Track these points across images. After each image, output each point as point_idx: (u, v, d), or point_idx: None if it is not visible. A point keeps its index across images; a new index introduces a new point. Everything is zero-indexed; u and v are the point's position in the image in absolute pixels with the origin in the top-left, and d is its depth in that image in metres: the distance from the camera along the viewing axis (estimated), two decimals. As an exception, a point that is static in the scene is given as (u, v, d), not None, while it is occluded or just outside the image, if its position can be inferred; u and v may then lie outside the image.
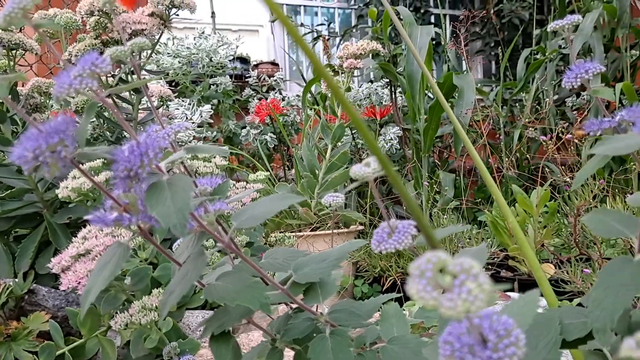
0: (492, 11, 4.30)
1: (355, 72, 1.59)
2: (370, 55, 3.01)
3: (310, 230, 1.41)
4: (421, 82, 2.24)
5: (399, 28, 0.99)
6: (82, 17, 1.30)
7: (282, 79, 3.57)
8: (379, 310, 0.78)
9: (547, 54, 3.23)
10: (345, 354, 0.61)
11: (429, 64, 2.38)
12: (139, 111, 1.39)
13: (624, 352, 0.36)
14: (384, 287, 1.35)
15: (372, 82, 3.38)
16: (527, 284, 1.33)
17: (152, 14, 1.25)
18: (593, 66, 0.61)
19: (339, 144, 1.48)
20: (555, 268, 1.42)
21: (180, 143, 2.32)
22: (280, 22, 0.36)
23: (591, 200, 1.38)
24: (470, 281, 0.33)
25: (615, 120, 0.63)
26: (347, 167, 1.44)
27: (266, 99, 3.48)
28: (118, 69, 1.43)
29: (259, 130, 3.16)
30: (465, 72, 2.23)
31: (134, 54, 0.61)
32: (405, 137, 2.99)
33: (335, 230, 1.41)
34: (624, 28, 3.09)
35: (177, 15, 1.23)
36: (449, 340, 0.40)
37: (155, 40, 1.28)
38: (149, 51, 1.44)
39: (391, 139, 2.95)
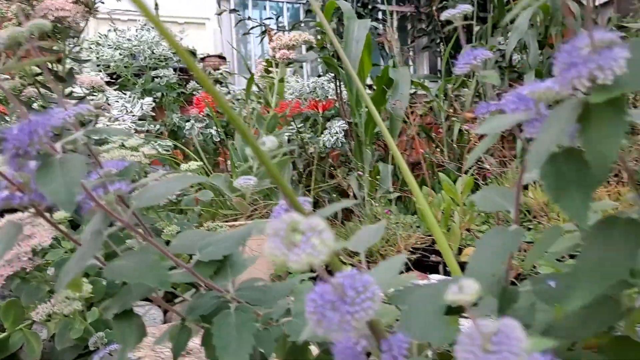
0: (434, 7, 4.41)
1: (306, 67, 1.59)
2: (317, 48, 3.03)
3: (245, 219, 1.42)
4: (361, 75, 2.28)
5: (321, 20, 1.01)
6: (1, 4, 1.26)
7: (228, 72, 3.54)
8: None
9: (491, 49, 3.34)
10: (249, 328, 0.63)
11: (368, 57, 2.42)
12: (67, 100, 1.36)
13: (450, 297, 0.39)
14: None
15: (320, 76, 3.41)
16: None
17: (76, 1, 1.22)
18: (481, 53, 0.65)
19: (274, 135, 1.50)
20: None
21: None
22: (150, 21, 0.37)
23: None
24: (315, 237, 0.36)
25: (501, 104, 0.67)
26: (284, 156, 1.46)
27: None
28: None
29: (204, 124, 3.13)
30: (402, 66, 2.28)
31: (32, 35, 0.61)
32: (351, 130, 3.03)
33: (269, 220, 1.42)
34: (556, 25, 3.24)
35: (103, 2, 1.21)
36: (314, 298, 0.42)
37: (81, 28, 1.25)
38: (78, 40, 1.41)
39: (337, 133, 2.98)
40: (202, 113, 2.44)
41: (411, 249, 1.42)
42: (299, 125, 3.08)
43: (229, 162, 3.16)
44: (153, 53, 3.12)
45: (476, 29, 3.93)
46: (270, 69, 1.57)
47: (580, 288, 0.52)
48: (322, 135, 2.98)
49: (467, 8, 0.67)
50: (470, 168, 1.73)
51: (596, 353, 0.69)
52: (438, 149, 2.83)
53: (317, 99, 3.05)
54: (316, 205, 2.91)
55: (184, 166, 1.34)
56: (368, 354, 0.49)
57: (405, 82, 2.16)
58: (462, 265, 0.75)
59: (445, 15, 0.67)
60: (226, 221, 1.41)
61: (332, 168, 3.14)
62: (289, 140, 3.09)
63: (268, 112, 1.61)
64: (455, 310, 0.64)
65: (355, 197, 2.08)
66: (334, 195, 2.95)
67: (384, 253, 1.36)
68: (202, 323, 0.70)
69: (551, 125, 0.47)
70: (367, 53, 2.36)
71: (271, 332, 0.69)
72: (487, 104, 0.67)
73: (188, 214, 1.41)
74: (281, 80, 1.56)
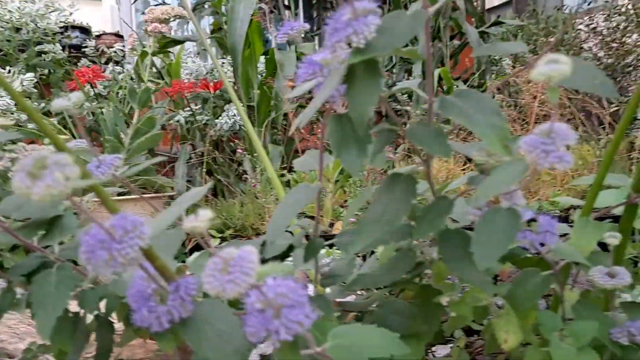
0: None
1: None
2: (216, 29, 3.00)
3: (118, 195, 1.40)
4: (252, 56, 2.30)
5: (184, 2, 1.01)
6: None
7: (122, 49, 3.41)
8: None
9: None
10: (67, 286, 0.64)
11: (259, 39, 2.45)
12: None
13: (187, 224, 0.43)
14: (189, 246, 1.39)
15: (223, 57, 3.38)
16: (324, 238, 1.45)
17: None
18: (298, 25, 0.70)
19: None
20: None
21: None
22: None
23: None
24: (58, 171, 0.38)
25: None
26: (158, 132, 1.45)
27: (103, 70, 3.31)
28: None
29: (95, 102, 3.00)
30: (289, 50, 2.33)
31: None
32: (250, 110, 3.04)
33: (144, 195, 1.41)
34: (445, 19, 3.44)
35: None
36: (87, 239, 0.44)
37: None
38: None
39: (234, 115, 2.98)
40: (84, 86, 2.34)
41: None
42: (196, 108, 3.04)
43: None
44: (38, 27, 2.94)
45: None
46: (145, 43, 1.55)
47: (363, 234, 0.59)
48: (220, 118, 2.97)
49: None
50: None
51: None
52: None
53: (215, 81, 3.03)
54: (215, 188, 2.90)
55: (47, 140, 1.29)
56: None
57: (290, 63, 2.21)
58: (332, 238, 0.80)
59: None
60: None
61: (232, 152, 3.14)
62: (185, 122, 3.05)
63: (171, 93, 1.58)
64: (269, 261, 0.69)
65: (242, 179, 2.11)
66: (234, 178, 2.96)
67: (256, 228, 1.40)
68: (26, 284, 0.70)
69: (325, 86, 0.52)
70: (257, 36, 2.38)
71: (97, 291, 0.70)
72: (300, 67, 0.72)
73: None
74: (154, 54, 1.53)
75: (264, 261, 0.65)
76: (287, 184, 2.29)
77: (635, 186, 0.65)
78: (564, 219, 1.32)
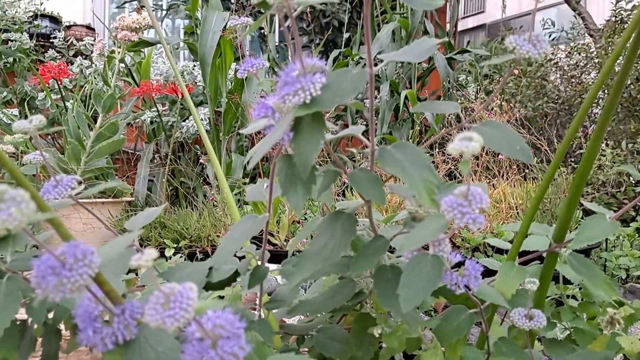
0: (308, 10, 4.57)
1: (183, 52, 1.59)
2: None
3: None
4: (222, 65, 2.32)
5: (148, 11, 1.04)
6: None
7: (92, 44, 3.37)
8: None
9: (352, 57, 3.55)
10: (15, 297, 0.66)
11: (230, 50, 2.47)
12: None
13: (133, 262, 0.47)
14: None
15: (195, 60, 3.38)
16: (279, 255, 1.50)
17: None
18: (258, 62, 0.74)
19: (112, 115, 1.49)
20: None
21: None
22: None
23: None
24: (15, 207, 0.41)
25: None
26: (120, 138, 1.46)
27: (72, 63, 3.26)
28: None
29: (59, 96, 2.96)
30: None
31: None
32: (217, 118, 3.06)
33: (101, 200, 1.42)
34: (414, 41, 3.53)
35: None
36: (38, 265, 0.47)
37: None
38: None
39: (201, 120, 2.99)
40: (47, 84, 2.31)
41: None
42: (163, 109, 3.04)
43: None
44: (5, 14, 2.88)
45: (346, 35, 4.14)
46: (114, 48, 1.56)
47: (303, 267, 0.63)
48: (187, 121, 2.98)
49: (246, 20, 0.76)
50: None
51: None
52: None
53: (186, 84, 3.03)
54: (177, 191, 2.90)
55: (7, 138, 1.29)
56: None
57: (255, 79, 2.24)
58: (286, 255, 0.82)
59: (230, 24, 0.75)
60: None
61: (199, 154, 3.14)
62: (151, 122, 3.04)
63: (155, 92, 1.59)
64: (215, 285, 0.73)
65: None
66: (196, 182, 2.96)
67: (212, 239, 1.43)
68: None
69: (275, 131, 0.56)
70: (229, 46, 2.41)
71: (46, 302, 0.72)
72: (254, 108, 0.76)
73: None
74: (121, 61, 1.54)
75: (210, 285, 0.69)
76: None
77: (555, 236, 0.71)
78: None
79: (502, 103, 1.69)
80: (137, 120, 2.92)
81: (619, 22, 3.22)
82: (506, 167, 1.58)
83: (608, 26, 3.16)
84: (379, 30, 3.83)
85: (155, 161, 3.03)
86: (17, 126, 0.59)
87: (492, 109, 1.76)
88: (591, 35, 4.51)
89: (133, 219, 0.72)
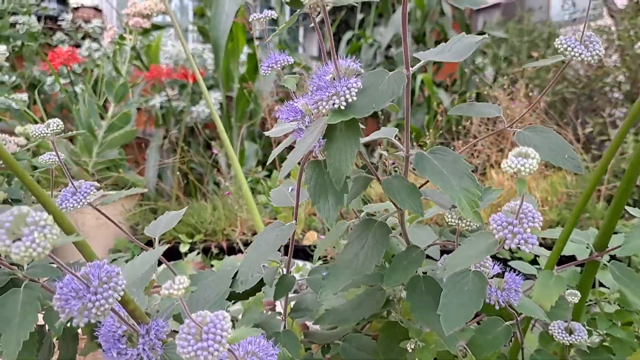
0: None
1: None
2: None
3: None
4: (234, 50, 2.27)
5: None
6: None
7: (101, 27, 3.32)
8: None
9: (366, 39, 3.48)
10: (34, 306, 0.63)
11: (242, 33, 2.42)
12: None
13: (164, 291, 0.43)
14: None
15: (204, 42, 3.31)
16: (296, 249, 1.47)
17: None
18: (282, 58, 0.70)
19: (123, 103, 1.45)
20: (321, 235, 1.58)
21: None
22: None
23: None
24: (38, 232, 0.38)
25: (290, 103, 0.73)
26: (133, 129, 1.42)
27: (80, 46, 3.22)
28: None
29: (68, 80, 2.92)
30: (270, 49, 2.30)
31: None
32: (229, 103, 3.01)
33: (113, 192, 1.39)
34: (431, 24, 3.46)
35: None
36: (61, 288, 0.44)
37: None
38: None
39: (212, 104, 2.94)
40: (57, 70, 2.27)
41: (255, 232, 1.47)
42: (173, 93, 2.99)
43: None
44: (12, -4, 2.83)
45: (360, 16, 4.05)
46: (125, 35, 1.51)
47: (334, 280, 0.60)
48: (197, 106, 2.93)
49: (271, 13, 0.71)
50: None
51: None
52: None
53: (184, 67, 2.97)
54: (186, 176, 2.87)
55: (18, 128, 1.26)
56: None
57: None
58: (306, 249, 0.78)
59: (252, 17, 0.71)
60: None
61: (210, 139, 3.10)
62: (161, 107, 3.00)
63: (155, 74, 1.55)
64: (240, 296, 0.70)
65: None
66: (208, 169, 2.93)
67: (227, 234, 1.40)
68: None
69: (306, 138, 0.53)
70: (241, 29, 2.35)
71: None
72: (281, 110, 0.73)
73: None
74: (132, 48, 1.50)
75: (234, 295, 0.66)
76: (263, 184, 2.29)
77: (597, 244, 0.67)
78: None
79: (530, 93, 1.63)
80: (147, 105, 2.88)
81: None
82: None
83: (630, 7, 3.06)
84: (393, 12, 3.74)
85: (165, 147, 3.00)
86: (35, 131, 0.56)
87: (516, 98, 1.70)
88: (612, 17, 4.39)
89: (154, 224, 0.69)
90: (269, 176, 2.74)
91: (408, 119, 0.58)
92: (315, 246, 1.39)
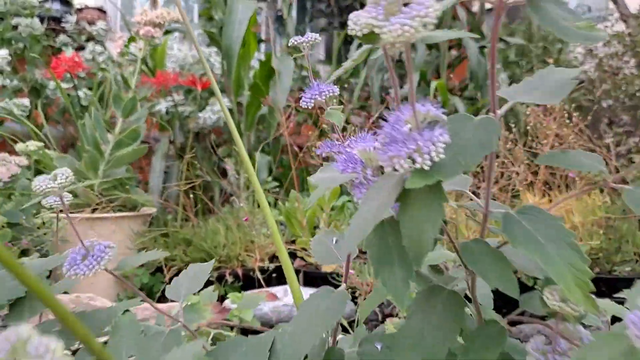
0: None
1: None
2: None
3: (91, 212, 1.27)
4: (245, 56, 2.17)
5: (178, 6, 0.90)
6: None
7: (105, 29, 3.22)
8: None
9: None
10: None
11: (254, 39, 2.32)
12: None
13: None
14: (167, 277, 1.28)
15: (209, 46, 3.21)
16: (314, 276, 1.37)
17: None
18: (327, 89, 0.60)
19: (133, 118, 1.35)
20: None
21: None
22: None
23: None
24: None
25: (344, 147, 0.63)
26: (142, 146, 1.32)
27: (83, 49, 3.12)
28: None
29: (71, 85, 2.83)
30: (284, 55, 2.21)
31: None
32: (239, 110, 2.91)
33: (120, 214, 1.30)
34: (444, 27, 3.35)
35: None
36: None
37: None
38: None
39: (219, 111, 2.84)
40: (60, 78, 2.17)
41: (273, 256, 1.38)
42: (179, 98, 2.89)
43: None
44: (15, -2, 2.73)
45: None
46: (135, 44, 1.41)
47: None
48: (204, 112, 2.83)
49: (315, 37, 0.62)
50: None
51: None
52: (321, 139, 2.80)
53: (201, 74, 2.88)
54: (193, 188, 2.78)
55: (20, 146, 1.16)
56: None
57: (287, 73, 2.09)
58: (326, 277, 0.67)
59: (291, 42, 0.61)
60: (70, 212, 1.26)
61: (216, 146, 3.01)
62: (167, 112, 2.90)
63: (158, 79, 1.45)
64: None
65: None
66: (213, 176, 2.83)
67: (242, 259, 1.29)
68: None
69: (373, 198, 0.43)
70: (253, 35, 2.26)
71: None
72: (331, 143, 0.63)
73: (23, 199, 1.23)
74: (143, 59, 1.40)
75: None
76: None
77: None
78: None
79: (565, 106, 1.53)
80: (152, 109, 2.78)
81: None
82: (563, 178, 1.43)
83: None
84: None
85: (170, 152, 2.90)
86: (40, 185, 0.46)
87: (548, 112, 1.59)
88: (625, 21, 4.29)
89: (175, 284, 0.59)
90: (279, 187, 2.64)
91: (492, 167, 0.48)
92: (338, 275, 1.29)
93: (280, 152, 2.76)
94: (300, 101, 0.60)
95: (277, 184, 2.39)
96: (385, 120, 0.42)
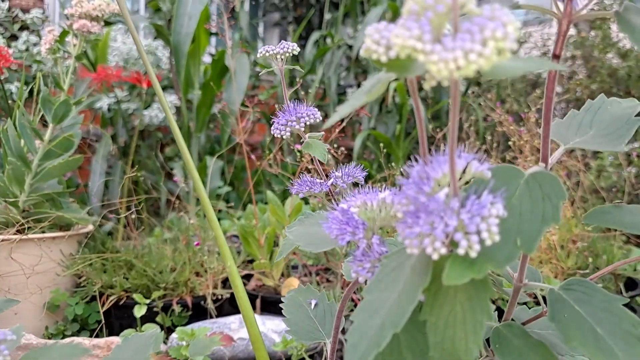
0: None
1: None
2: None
3: (14, 233, 1.09)
4: (195, 53, 2.00)
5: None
6: None
7: (41, 18, 2.95)
8: None
9: (335, 41, 3.25)
10: None
11: (205, 34, 2.15)
12: None
13: None
14: (105, 307, 1.11)
15: (156, 38, 3.00)
16: (273, 301, 1.23)
17: None
18: (307, 113, 0.47)
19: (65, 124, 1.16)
20: (306, 278, 1.36)
21: None
22: None
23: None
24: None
25: (327, 185, 0.51)
26: (77, 157, 1.14)
27: (17, 38, 2.85)
28: None
29: (3, 77, 2.55)
30: (240, 54, 2.06)
31: None
32: (189, 109, 2.72)
33: (50, 234, 1.12)
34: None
35: None
36: None
37: None
38: None
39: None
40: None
41: (226, 279, 1.23)
42: (123, 94, 2.68)
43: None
44: None
45: (327, 16, 3.83)
46: (69, 40, 1.22)
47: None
48: (150, 109, 2.63)
49: (292, 47, 0.49)
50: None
51: None
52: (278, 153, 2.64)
53: (138, 72, 2.66)
54: (136, 184, 2.57)
55: None
56: None
57: (243, 72, 1.94)
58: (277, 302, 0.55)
59: (261, 52, 0.48)
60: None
61: (165, 145, 2.81)
62: (109, 109, 2.68)
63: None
64: None
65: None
66: (159, 176, 2.64)
67: (192, 286, 1.14)
68: None
69: (388, 287, 0.30)
70: (203, 30, 2.09)
71: None
72: (311, 181, 0.50)
73: None
74: (79, 58, 1.21)
75: None
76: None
77: None
78: None
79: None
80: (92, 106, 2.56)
81: None
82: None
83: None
84: (362, 13, 3.55)
85: (112, 152, 2.68)
86: None
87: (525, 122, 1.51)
88: (575, 25, 4.38)
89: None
90: (232, 190, 2.48)
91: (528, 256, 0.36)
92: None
93: (234, 152, 2.61)
94: (272, 128, 0.47)
95: (230, 188, 2.24)
96: (405, 175, 0.30)
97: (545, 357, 0.35)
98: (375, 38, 0.25)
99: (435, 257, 0.27)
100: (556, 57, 0.31)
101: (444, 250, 0.27)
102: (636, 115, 0.36)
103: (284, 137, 0.46)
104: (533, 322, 0.43)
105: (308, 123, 0.46)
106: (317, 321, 0.46)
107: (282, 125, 0.46)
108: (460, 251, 0.26)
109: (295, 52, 0.49)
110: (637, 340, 0.33)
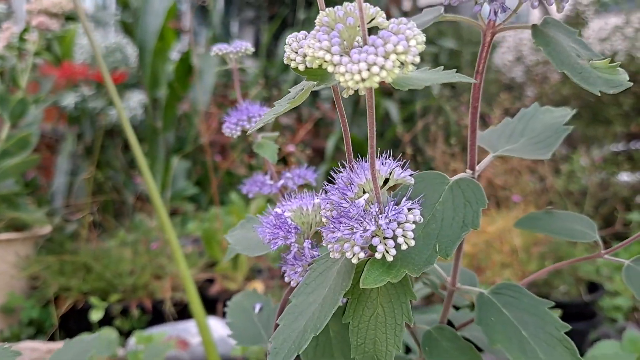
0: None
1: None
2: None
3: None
4: (162, 50, 1.98)
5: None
6: None
7: (5, 13, 2.87)
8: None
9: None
10: None
11: (172, 31, 2.13)
12: None
13: None
14: (62, 311, 1.09)
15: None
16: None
17: None
18: (258, 112, 0.47)
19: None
20: (272, 281, 1.36)
21: None
22: None
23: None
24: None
25: (277, 186, 0.51)
26: (33, 157, 1.11)
27: (-23, 34, 2.76)
28: None
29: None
30: (207, 53, 2.04)
31: None
32: (156, 107, 2.68)
33: (4, 236, 1.09)
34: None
35: None
36: None
37: None
38: None
39: (134, 108, 2.61)
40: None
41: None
42: (89, 93, 2.63)
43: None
44: None
45: (303, 16, 3.83)
46: (27, 37, 1.19)
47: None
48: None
49: (245, 47, 0.49)
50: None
51: None
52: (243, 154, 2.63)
53: (114, 67, 2.63)
54: (101, 186, 2.53)
55: None
56: None
57: (209, 72, 1.93)
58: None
59: (215, 50, 0.48)
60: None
61: (126, 144, 2.76)
62: (75, 107, 2.63)
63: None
64: None
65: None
66: (125, 177, 2.60)
67: (151, 289, 1.13)
68: None
69: (313, 290, 0.31)
70: (171, 28, 2.07)
71: None
72: (262, 180, 0.51)
73: None
74: (37, 54, 1.19)
75: None
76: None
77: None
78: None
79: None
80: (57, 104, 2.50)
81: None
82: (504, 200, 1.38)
83: (572, 18, 3.06)
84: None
85: (77, 153, 2.63)
86: None
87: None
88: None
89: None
90: (198, 195, 2.45)
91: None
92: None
93: (201, 152, 2.58)
94: (223, 127, 0.48)
95: (196, 191, 2.22)
96: (332, 181, 0.31)
97: (472, 358, 0.36)
98: (294, 47, 0.25)
99: (354, 261, 0.27)
100: (478, 73, 0.32)
101: (362, 255, 0.27)
102: (565, 124, 0.38)
103: (234, 136, 0.47)
104: (470, 325, 0.45)
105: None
106: (261, 325, 0.46)
107: (232, 124, 0.46)
108: (378, 255, 0.27)
109: (249, 52, 0.50)
110: (558, 342, 0.34)
